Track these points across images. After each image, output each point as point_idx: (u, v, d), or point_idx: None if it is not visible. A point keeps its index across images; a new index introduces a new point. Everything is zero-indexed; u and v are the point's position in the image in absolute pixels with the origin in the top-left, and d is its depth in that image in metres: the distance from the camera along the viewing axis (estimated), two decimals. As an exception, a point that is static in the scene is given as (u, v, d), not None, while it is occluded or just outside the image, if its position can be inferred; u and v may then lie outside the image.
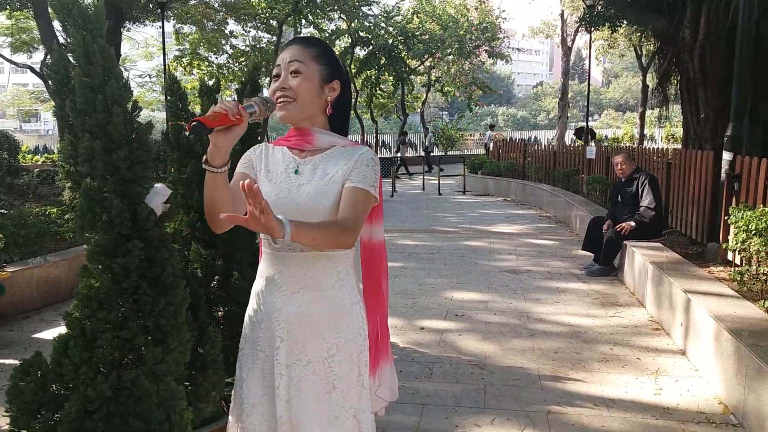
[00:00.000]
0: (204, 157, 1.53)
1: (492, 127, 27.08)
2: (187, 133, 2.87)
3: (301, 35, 1.76)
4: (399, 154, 22.84)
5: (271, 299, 1.69)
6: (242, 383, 1.73)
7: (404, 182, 18.48)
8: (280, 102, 1.67)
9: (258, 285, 1.76)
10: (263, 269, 1.75)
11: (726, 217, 5.22)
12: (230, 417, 1.78)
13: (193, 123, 1.41)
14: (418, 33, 25.69)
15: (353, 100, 27.78)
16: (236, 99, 3.27)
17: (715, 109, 7.49)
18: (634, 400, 3.45)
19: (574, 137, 21.93)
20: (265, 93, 1.79)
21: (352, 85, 26.51)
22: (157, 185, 1.74)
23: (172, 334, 1.66)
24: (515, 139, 18.83)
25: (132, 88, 1.76)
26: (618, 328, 4.69)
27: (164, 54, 18.10)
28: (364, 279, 1.88)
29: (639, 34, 12.74)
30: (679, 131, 27.69)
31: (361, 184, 1.66)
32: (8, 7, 17.14)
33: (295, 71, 1.68)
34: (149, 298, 1.61)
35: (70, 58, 5.10)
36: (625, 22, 11.28)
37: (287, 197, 1.66)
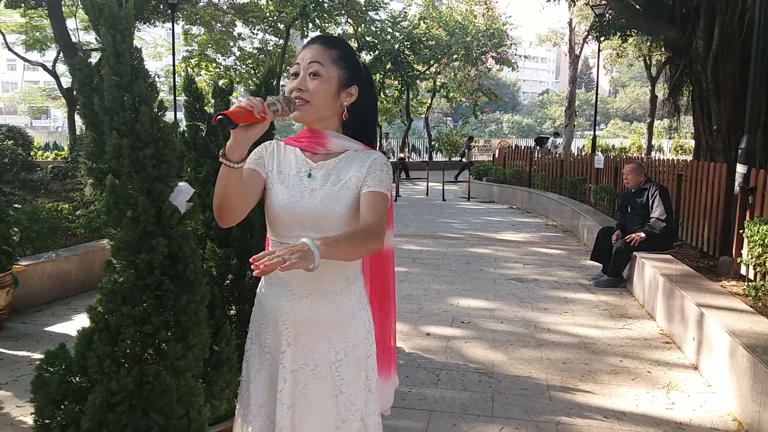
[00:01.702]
0: (222, 150, 1.51)
1: (557, 134, 26.98)
2: (200, 129, 2.88)
3: (324, 34, 1.71)
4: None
5: (279, 302, 1.68)
6: (249, 384, 1.73)
7: (408, 187, 18.48)
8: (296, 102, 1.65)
9: (264, 287, 1.75)
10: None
11: (740, 231, 5.19)
12: (237, 417, 1.78)
13: (219, 117, 1.41)
14: (424, 38, 25.74)
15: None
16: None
17: (728, 121, 7.48)
18: (645, 414, 3.43)
19: (536, 145, 21.97)
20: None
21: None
22: (181, 184, 1.75)
23: (193, 330, 1.68)
24: (521, 147, 18.83)
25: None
26: (627, 341, 4.67)
27: (173, 55, 18.18)
28: (373, 285, 1.89)
29: (649, 43, 12.74)
30: (688, 142, 27.69)
31: (378, 188, 1.66)
32: (22, 5, 17.27)
33: (314, 73, 1.66)
34: (172, 295, 1.62)
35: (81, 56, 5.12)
36: (635, 31, 11.28)
37: (300, 201, 1.65)
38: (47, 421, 1.52)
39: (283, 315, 1.67)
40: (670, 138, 29.62)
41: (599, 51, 20.73)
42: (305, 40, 3.91)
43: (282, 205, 1.64)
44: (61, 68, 20.58)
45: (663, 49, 11.56)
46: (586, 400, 3.59)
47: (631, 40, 15.58)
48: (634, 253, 6.04)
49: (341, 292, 1.70)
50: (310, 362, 1.68)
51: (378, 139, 28.96)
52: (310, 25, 22.01)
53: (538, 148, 20.35)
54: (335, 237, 1.48)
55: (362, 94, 1.75)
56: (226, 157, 1.51)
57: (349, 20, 24.52)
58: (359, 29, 24.89)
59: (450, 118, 58.66)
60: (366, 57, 26.49)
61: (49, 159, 16.18)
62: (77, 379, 1.55)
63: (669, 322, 4.78)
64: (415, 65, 26.26)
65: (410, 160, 28.36)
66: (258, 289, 1.81)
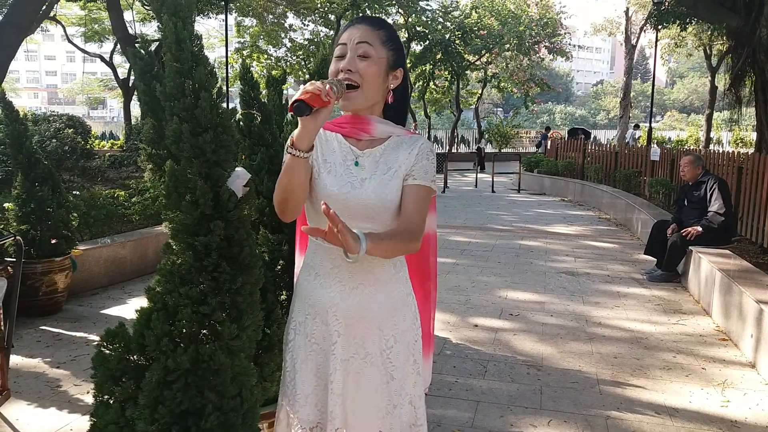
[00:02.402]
0: (289, 140, 1.49)
1: (637, 126, 26.41)
2: (255, 117, 2.93)
3: (369, 15, 1.66)
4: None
5: (328, 294, 1.68)
6: (295, 375, 1.73)
7: (456, 178, 18.37)
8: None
9: (308, 277, 1.73)
10: (315, 263, 1.72)
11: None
12: (282, 407, 1.79)
13: (296, 103, 1.40)
14: (476, 28, 25.43)
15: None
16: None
17: (791, 113, 7.16)
18: (699, 411, 3.34)
19: (569, 137, 21.35)
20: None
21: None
22: (238, 169, 1.78)
23: (247, 312, 1.71)
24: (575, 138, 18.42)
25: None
26: (681, 336, 4.55)
27: (227, 46, 18.47)
28: (412, 266, 1.85)
29: (710, 32, 12.26)
30: (748, 135, 26.62)
31: (424, 181, 1.64)
32: (82, -3, 17.87)
33: (364, 54, 1.61)
34: (228, 276, 1.65)
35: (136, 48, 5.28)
36: (695, 19, 10.88)
37: (350, 192, 1.62)
38: (106, 396, 1.58)
39: (333, 306, 1.67)
40: (730, 130, 28.54)
41: (657, 40, 20.07)
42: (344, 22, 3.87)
43: (332, 197, 1.60)
44: (118, 59, 21.26)
45: (724, 38, 11.09)
46: (637, 395, 3.52)
47: (690, 28, 15.01)
48: (690, 247, 5.86)
49: (389, 280, 1.70)
50: (361, 351, 1.68)
51: (428, 129, 28.87)
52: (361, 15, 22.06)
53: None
54: (380, 235, 1.48)
55: (405, 77, 1.73)
56: (295, 146, 1.48)
57: (400, 10, 24.43)
58: (410, 19, 24.79)
59: (501, 109, 57.92)
60: (416, 47, 26.41)
61: (105, 148, 16.73)
62: (135, 357, 1.60)
63: (725, 318, 4.63)
64: (465, 55, 25.98)
65: (458, 151, 28.17)
66: (298, 280, 1.80)
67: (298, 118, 1.45)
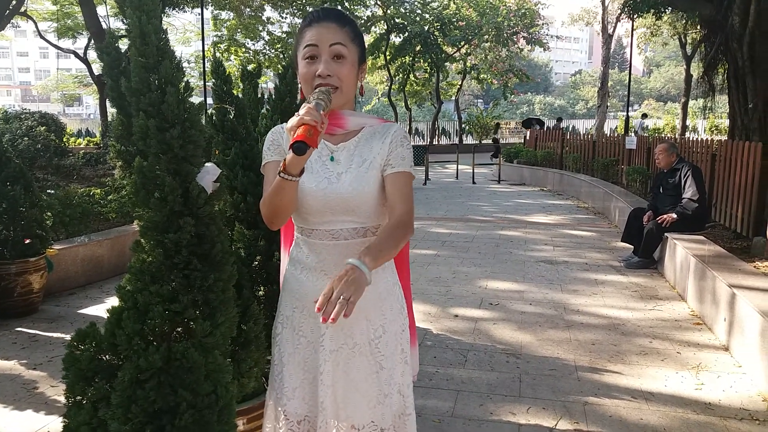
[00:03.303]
0: (281, 164, 1.47)
1: (645, 116, 26.16)
2: (228, 111, 2.91)
3: (329, 8, 1.63)
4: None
5: (315, 286, 1.68)
6: (282, 368, 1.74)
7: (437, 170, 18.41)
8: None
9: (295, 271, 1.74)
10: (301, 256, 1.73)
11: (774, 211, 5.07)
12: (269, 400, 1.80)
13: (296, 144, 1.38)
14: (454, 19, 25.41)
15: (387, 88, 27.86)
16: (277, 84, 3.29)
17: (764, 99, 7.29)
18: (674, 395, 3.40)
19: (522, 127, 21.42)
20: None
21: (386, 72, 26.61)
22: (208, 164, 1.76)
23: (220, 308, 1.70)
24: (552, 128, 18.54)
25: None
26: (657, 322, 4.62)
27: (203, 40, 18.27)
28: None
29: (684, 21, 12.39)
30: (723, 122, 26.95)
31: (402, 167, 1.65)
32: (54, -8, 17.53)
33: (339, 55, 1.60)
34: (199, 273, 1.64)
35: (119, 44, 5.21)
36: (670, 8, 10.98)
37: (328, 187, 1.62)
38: (79, 397, 1.56)
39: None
40: (705, 118, 28.88)
41: (633, 30, 20.22)
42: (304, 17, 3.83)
43: (311, 194, 1.62)
44: (92, 55, 20.88)
45: (698, 27, 11.22)
46: (614, 381, 3.57)
47: (665, 17, 15.17)
48: (666, 234, 5.95)
49: (376, 271, 1.70)
50: (350, 341, 1.69)
51: (408, 121, 28.85)
52: (339, 8, 21.95)
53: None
54: (377, 245, 1.49)
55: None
56: (286, 171, 1.47)
57: (378, 2, 24.34)
58: (388, 11, 24.70)
59: (481, 100, 58.05)
60: (395, 39, 26.33)
61: (81, 145, 16.50)
62: (107, 356, 1.59)
63: (700, 303, 4.71)
64: (444, 47, 25.97)
65: (438, 143, 28.19)
66: (284, 273, 1.81)
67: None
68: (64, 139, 11.02)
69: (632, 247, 6.49)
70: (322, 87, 1.57)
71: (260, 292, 2.89)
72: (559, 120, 25.75)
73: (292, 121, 1.42)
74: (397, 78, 27.25)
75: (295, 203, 1.60)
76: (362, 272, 1.37)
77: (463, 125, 30.10)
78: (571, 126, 33.81)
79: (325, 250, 1.67)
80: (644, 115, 26.27)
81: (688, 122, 25.97)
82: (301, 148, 1.39)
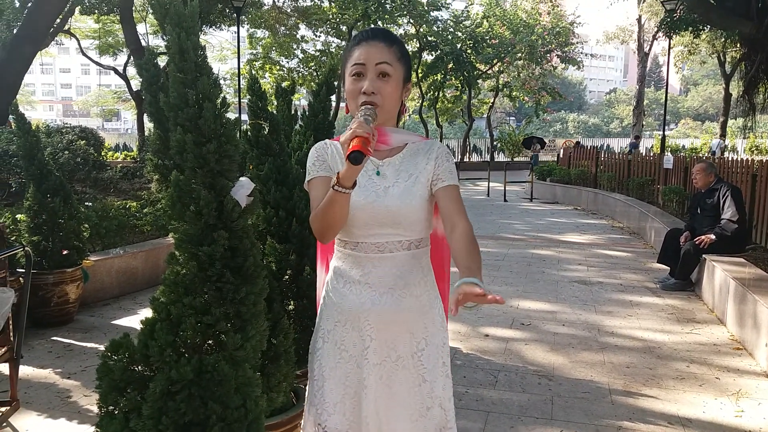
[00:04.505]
0: (334, 178, 1.53)
1: (723, 136, 25.12)
2: (262, 127, 2.94)
3: (378, 28, 1.68)
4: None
5: (359, 300, 1.70)
6: (323, 383, 1.74)
7: (468, 188, 18.31)
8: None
9: (337, 285, 1.75)
10: (344, 269, 1.74)
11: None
12: (308, 416, 1.79)
13: (352, 154, 1.45)
14: (487, 37, 25.44)
15: (419, 105, 27.96)
16: (311, 101, 3.33)
17: (806, 119, 7.08)
18: (712, 422, 3.28)
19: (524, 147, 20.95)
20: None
21: (418, 90, 26.72)
22: (242, 179, 1.78)
23: (251, 322, 1.70)
24: (587, 147, 18.33)
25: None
26: (695, 346, 4.48)
27: (239, 57, 18.64)
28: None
29: (724, 39, 12.18)
30: (764, 142, 26.32)
31: (452, 180, 1.71)
32: (96, 11, 18.10)
33: (384, 73, 1.65)
34: (232, 286, 1.65)
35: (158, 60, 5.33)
36: (708, 27, 10.81)
37: (376, 201, 1.66)
38: (111, 407, 1.58)
39: (365, 312, 1.69)
40: (744, 137, 28.24)
41: (670, 48, 19.96)
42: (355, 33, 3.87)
43: (359, 207, 1.65)
44: (132, 71, 21.47)
45: (738, 45, 11.01)
46: (649, 406, 3.46)
47: (703, 36, 14.95)
48: (704, 255, 5.79)
49: (418, 284, 1.73)
50: (393, 354, 1.71)
51: (440, 138, 28.89)
52: (372, 26, 22.19)
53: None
54: (474, 261, 1.55)
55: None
56: (340, 184, 1.52)
57: (411, 20, 24.53)
58: (421, 29, 24.87)
59: (513, 118, 57.85)
60: (427, 57, 26.46)
61: (118, 159, 16.86)
62: (140, 367, 1.60)
63: (740, 327, 4.56)
64: (477, 64, 25.99)
65: (470, 160, 28.10)
66: (326, 287, 1.81)
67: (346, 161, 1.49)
68: (103, 153, 11.27)
69: (669, 268, 6.34)
70: (367, 104, 1.62)
71: (290, 306, 2.90)
72: (637, 138, 25.07)
73: (345, 135, 1.48)
74: (428, 95, 27.34)
75: (347, 216, 1.62)
76: (479, 286, 1.42)
77: (494, 143, 29.97)
78: (606, 144, 33.38)
79: (371, 263, 1.70)
80: (722, 136, 25.18)
81: (727, 142, 25.39)
82: (357, 157, 1.45)
